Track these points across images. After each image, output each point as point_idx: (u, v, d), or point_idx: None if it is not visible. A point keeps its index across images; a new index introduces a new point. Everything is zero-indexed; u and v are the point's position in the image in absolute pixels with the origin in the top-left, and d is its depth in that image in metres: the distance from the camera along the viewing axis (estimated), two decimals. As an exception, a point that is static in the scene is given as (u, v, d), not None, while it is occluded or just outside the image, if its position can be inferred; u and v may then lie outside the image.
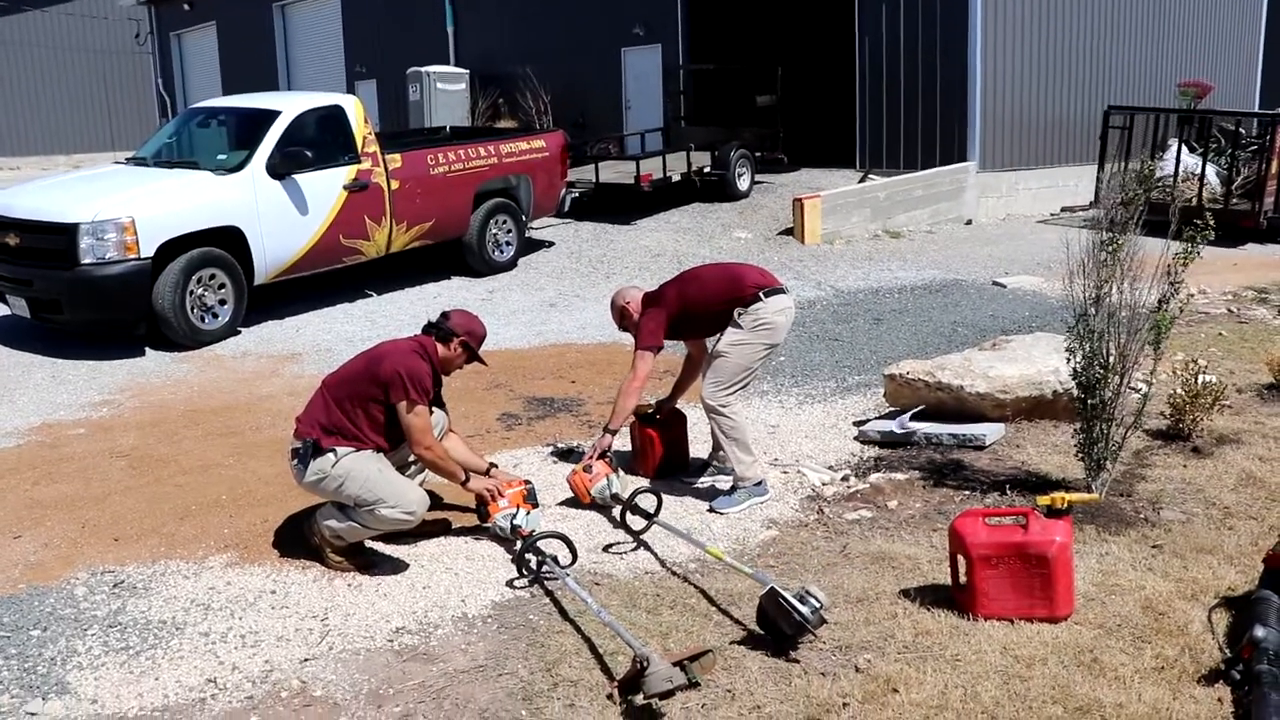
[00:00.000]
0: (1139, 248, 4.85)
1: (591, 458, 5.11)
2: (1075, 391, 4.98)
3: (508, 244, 11.29)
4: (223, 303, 8.61)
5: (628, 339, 5.52)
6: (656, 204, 13.95)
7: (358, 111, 9.72)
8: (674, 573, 4.50)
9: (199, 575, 4.54)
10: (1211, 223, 4.77)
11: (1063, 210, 15.35)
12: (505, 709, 3.50)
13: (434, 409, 4.71)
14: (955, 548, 3.99)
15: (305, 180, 9.06)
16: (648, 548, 4.75)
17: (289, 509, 5.10)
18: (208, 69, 26.80)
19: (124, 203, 8.13)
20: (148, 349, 8.29)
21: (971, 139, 14.36)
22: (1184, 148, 14.22)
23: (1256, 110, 18.14)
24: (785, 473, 5.62)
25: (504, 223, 11.20)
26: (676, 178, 13.73)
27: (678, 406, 5.76)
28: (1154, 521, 4.77)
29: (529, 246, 12.03)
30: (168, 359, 8.14)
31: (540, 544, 4.39)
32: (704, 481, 5.54)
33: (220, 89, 24.95)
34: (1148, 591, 4.09)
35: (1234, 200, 13.66)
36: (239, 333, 8.79)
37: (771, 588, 3.78)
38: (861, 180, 14.48)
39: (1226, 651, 3.60)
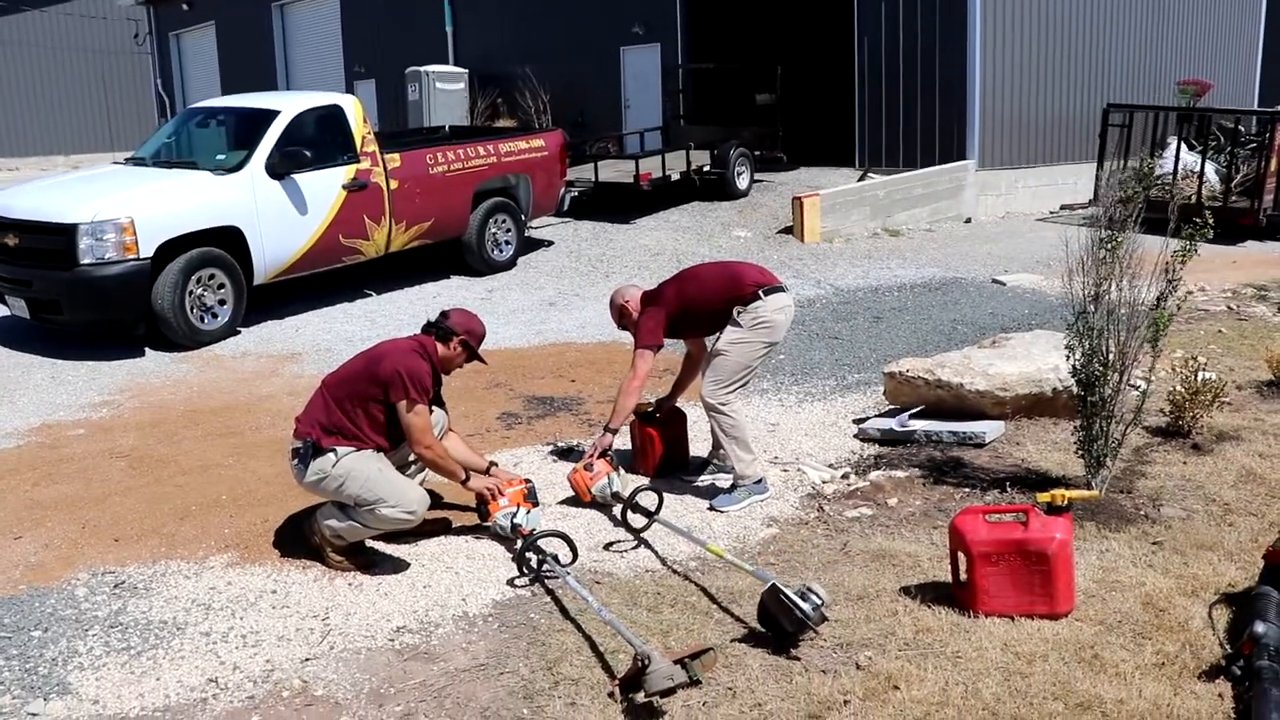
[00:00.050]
0: (1138, 245, 4.86)
1: (592, 456, 5.11)
2: (1075, 389, 4.98)
3: (507, 243, 11.29)
4: (222, 303, 8.61)
5: (627, 338, 5.52)
6: (656, 203, 13.95)
7: (357, 111, 9.72)
8: (674, 571, 4.50)
9: (200, 575, 4.54)
10: (1210, 220, 4.77)
11: (1062, 208, 15.36)
12: (506, 707, 3.50)
13: (434, 408, 4.71)
14: (955, 545, 4.00)
15: (304, 180, 9.06)
16: (648, 546, 4.75)
17: (289, 509, 5.10)
18: (207, 69, 26.80)
19: (123, 203, 8.13)
20: (147, 349, 8.29)
21: (970, 137, 14.36)
22: (1183, 146, 14.23)
23: (1256, 108, 18.15)
24: (785, 471, 5.62)
25: (503, 222, 11.20)
26: (676, 177, 13.72)
27: (678, 405, 5.76)
28: (1154, 518, 4.77)
29: (528, 246, 12.03)
30: (167, 359, 8.14)
31: (541, 542, 4.40)
32: (704, 480, 5.54)
33: (219, 89, 24.94)
34: (1148, 588, 4.09)
35: (1233, 198, 13.66)
36: (238, 333, 8.79)
37: (773, 584, 3.78)
38: (861, 179, 14.48)
39: (1227, 647, 3.60)
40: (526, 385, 7.34)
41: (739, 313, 5.13)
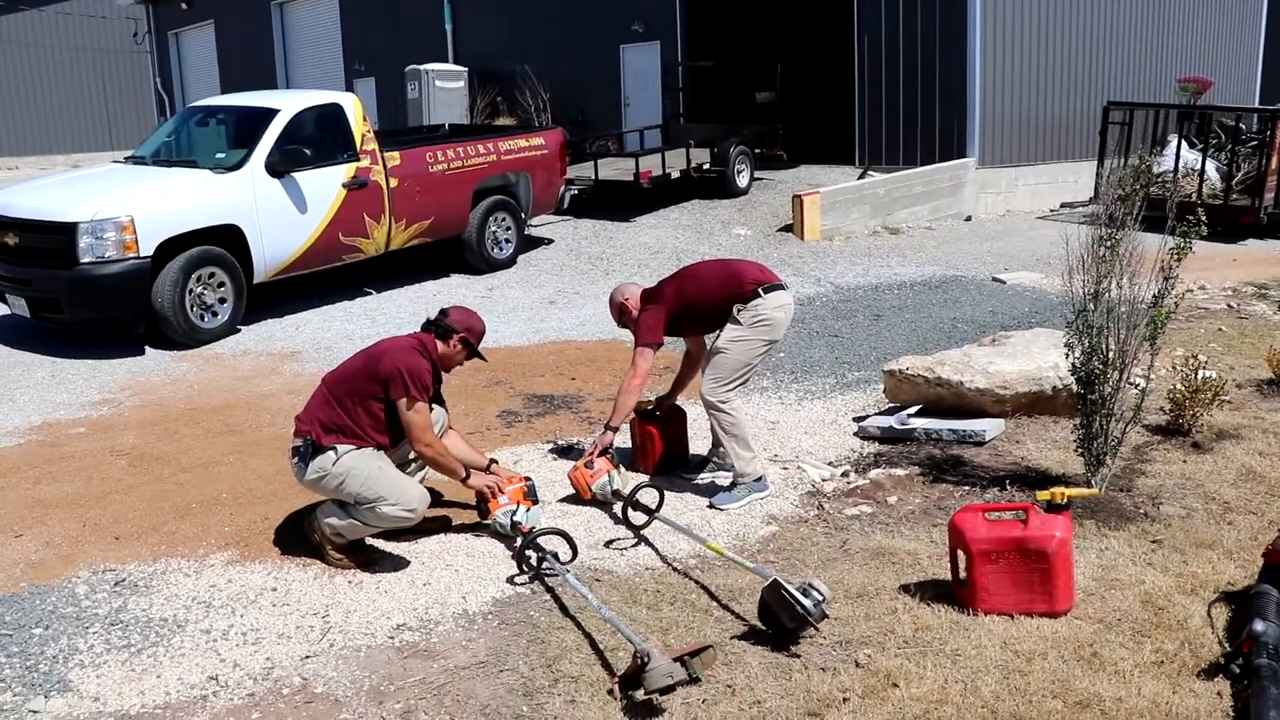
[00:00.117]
0: (1138, 243, 4.86)
1: (593, 454, 5.11)
2: (1075, 387, 4.98)
3: (507, 241, 11.29)
4: (222, 301, 8.61)
5: (627, 336, 5.52)
6: (656, 201, 13.95)
7: (356, 109, 9.72)
8: (674, 568, 4.50)
9: (200, 573, 4.54)
10: (1204, 217, 4.76)
11: (1062, 206, 15.35)
12: (506, 705, 3.51)
13: (434, 406, 4.71)
14: (955, 543, 4.00)
15: (304, 178, 9.06)
16: (648, 543, 4.76)
17: (289, 507, 5.10)
18: (206, 68, 26.79)
19: (123, 202, 8.13)
20: (147, 348, 8.29)
21: (971, 135, 14.36)
22: (1184, 143, 14.23)
23: (1257, 106, 18.14)
24: (785, 469, 5.62)
25: (503, 220, 11.20)
26: (676, 175, 13.73)
27: (677, 403, 5.77)
28: (1154, 516, 4.78)
29: (528, 244, 12.03)
30: (167, 358, 8.15)
31: (540, 540, 4.40)
32: (704, 478, 5.54)
33: (219, 87, 24.95)
34: (1147, 586, 4.10)
35: (1234, 196, 13.66)
36: (239, 331, 8.79)
37: (775, 579, 3.78)
38: (861, 177, 14.49)
39: (1226, 646, 3.61)
40: (526, 383, 7.34)
41: (739, 310, 5.13)
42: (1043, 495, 4.01)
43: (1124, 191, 4.81)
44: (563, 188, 12.24)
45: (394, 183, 9.81)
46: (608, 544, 4.77)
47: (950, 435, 5.85)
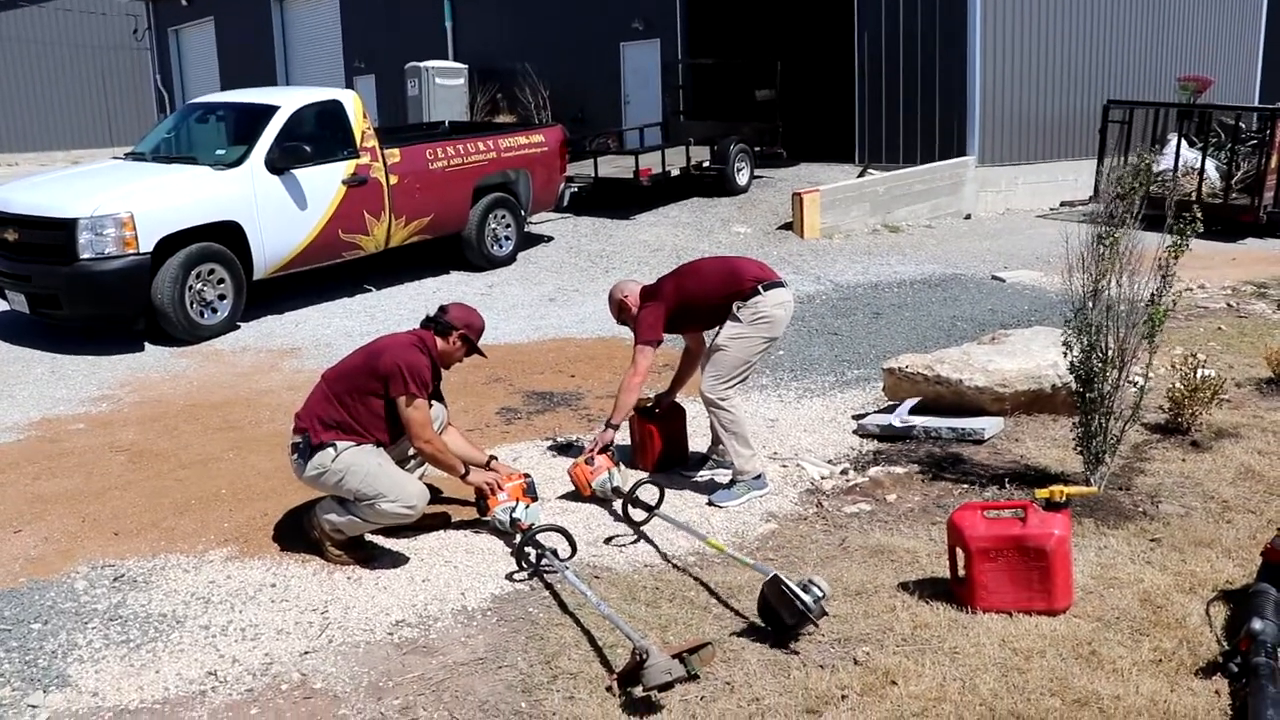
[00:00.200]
0: (1138, 242, 4.86)
1: (593, 452, 5.11)
2: (1074, 385, 4.99)
3: (507, 239, 11.29)
4: (222, 298, 8.61)
5: (627, 333, 5.52)
6: (655, 199, 13.95)
7: (356, 106, 9.71)
8: (674, 565, 4.50)
9: (199, 569, 4.54)
10: (1199, 214, 4.76)
11: (1062, 205, 15.35)
12: (505, 701, 3.51)
13: (433, 403, 4.71)
14: (954, 541, 4.00)
15: (304, 175, 9.05)
16: (648, 540, 4.76)
17: (288, 503, 5.10)
18: (206, 64, 26.79)
19: (123, 198, 8.12)
20: (147, 344, 8.29)
21: (971, 133, 14.36)
22: (1184, 142, 14.22)
23: (1256, 105, 18.14)
24: (784, 466, 5.62)
25: (503, 217, 11.20)
26: (675, 173, 13.73)
27: (677, 400, 5.77)
28: (1152, 515, 4.78)
29: (528, 241, 12.03)
30: (167, 354, 8.14)
31: (539, 537, 4.40)
32: (703, 475, 5.55)
33: (219, 84, 24.95)
34: (1146, 585, 4.10)
35: (1233, 195, 13.66)
36: (238, 328, 8.79)
37: (775, 575, 3.78)
38: (860, 175, 14.49)
39: (1224, 644, 3.61)
40: (526, 380, 7.35)
41: (739, 308, 5.13)
42: (1041, 493, 4.01)
43: (1124, 190, 4.81)
44: (562, 185, 12.23)
45: (394, 180, 9.81)
46: (607, 541, 4.77)
47: (949, 433, 5.85)
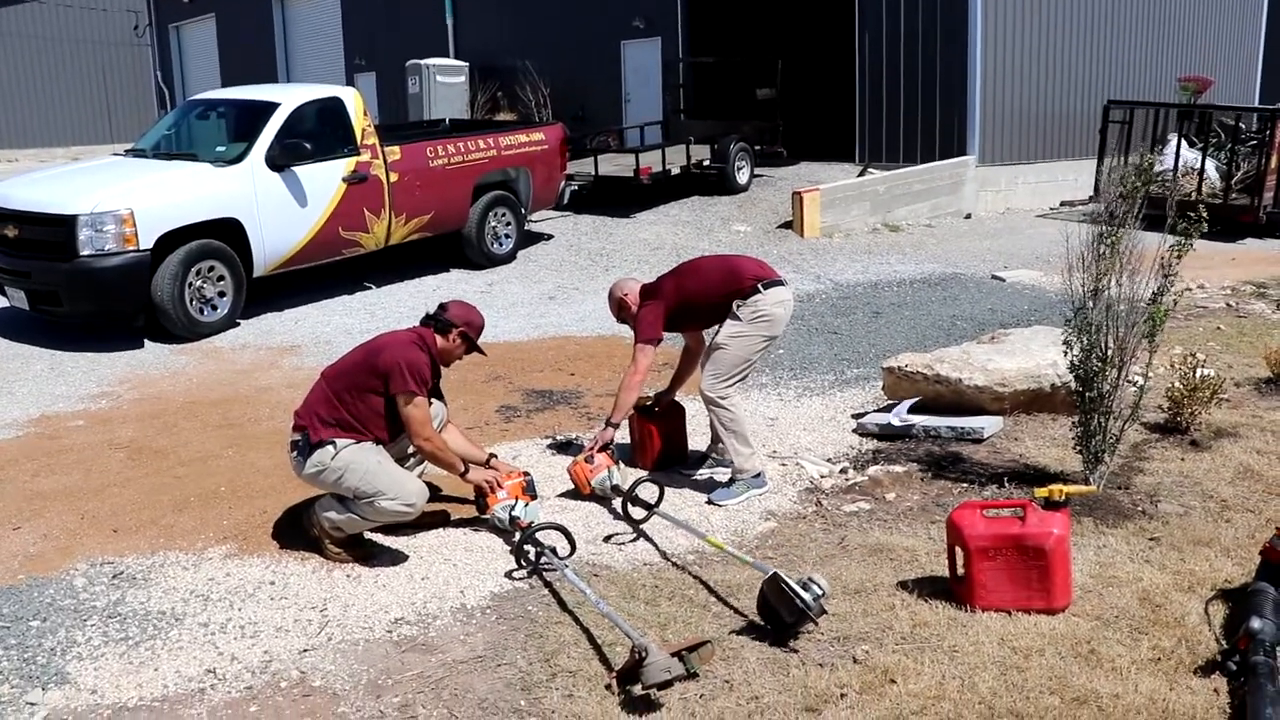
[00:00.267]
0: (1138, 241, 4.86)
1: (593, 450, 5.11)
2: (1073, 384, 4.99)
3: (507, 237, 11.29)
4: (221, 295, 8.61)
5: (627, 331, 5.52)
6: (655, 197, 13.94)
7: (357, 104, 9.71)
8: (673, 564, 4.51)
9: (198, 566, 4.54)
10: (1205, 214, 4.77)
11: (1062, 204, 15.36)
12: (504, 699, 3.51)
13: (433, 401, 4.71)
14: (953, 540, 4.00)
15: (304, 172, 9.05)
16: (647, 538, 4.76)
17: (288, 500, 5.10)
18: (206, 61, 26.78)
19: (123, 194, 8.12)
20: (146, 341, 8.29)
21: (971, 133, 14.37)
22: (1184, 142, 14.23)
23: (1256, 105, 18.14)
24: (784, 465, 5.63)
25: (503, 215, 11.19)
26: (676, 171, 13.72)
27: (676, 399, 5.77)
28: (1151, 514, 4.78)
29: (528, 239, 12.03)
30: (166, 351, 8.14)
31: (539, 535, 4.40)
32: (702, 474, 5.55)
33: (219, 81, 24.94)
34: (1145, 583, 4.10)
35: (1233, 195, 13.66)
36: (238, 325, 8.78)
37: (774, 573, 3.78)
38: (861, 174, 14.48)
39: (1223, 643, 3.62)
40: (525, 378, 7.35)
41: (738, 306, 5.13)
42: (1041, 492, 4.01)
43: (1124, 189, 4.81)
44: (563, 183, 12.24)
45: (394, 177, 9.80)
46: (606, 539, 4.77)
47: (949, 432, 5.85)
